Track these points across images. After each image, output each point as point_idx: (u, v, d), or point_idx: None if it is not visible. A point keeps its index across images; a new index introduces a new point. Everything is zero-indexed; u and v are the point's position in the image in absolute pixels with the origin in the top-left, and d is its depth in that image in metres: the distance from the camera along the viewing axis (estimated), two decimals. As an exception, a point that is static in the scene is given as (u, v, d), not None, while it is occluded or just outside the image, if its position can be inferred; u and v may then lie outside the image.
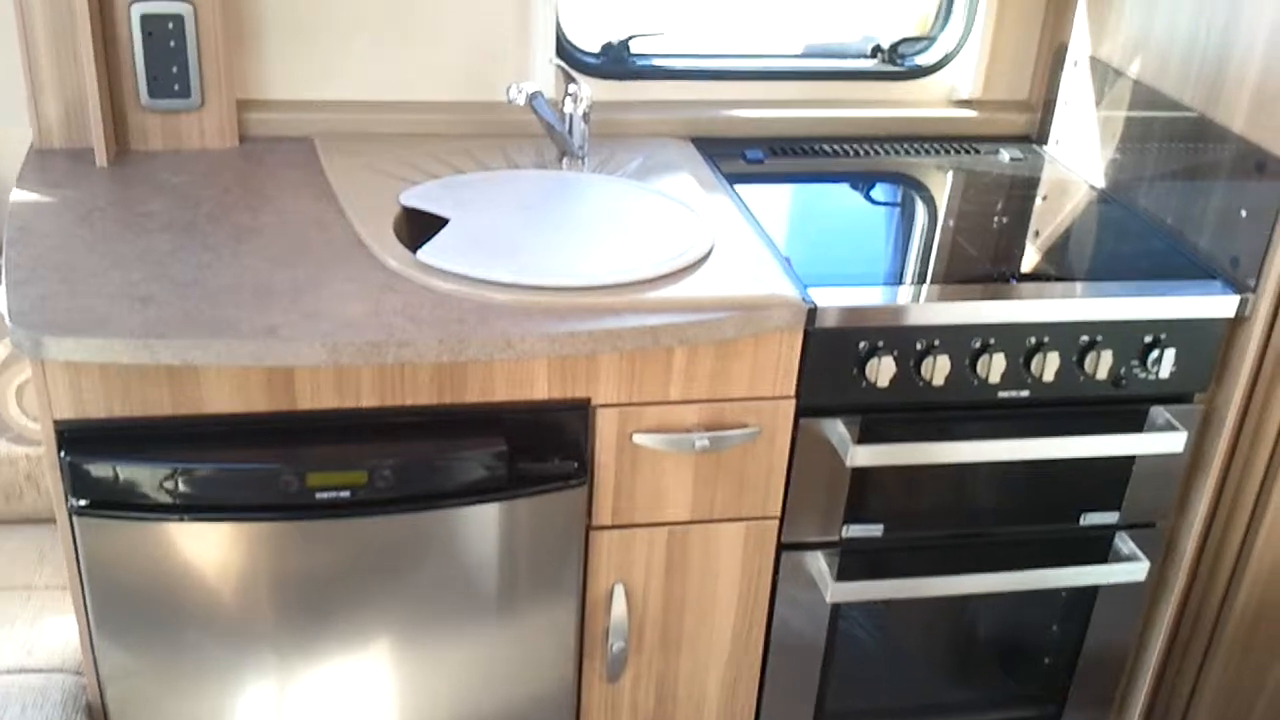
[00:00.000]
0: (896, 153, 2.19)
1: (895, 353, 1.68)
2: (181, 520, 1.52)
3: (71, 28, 1.82)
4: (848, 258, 1.83)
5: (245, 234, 1.68)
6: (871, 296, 1.68)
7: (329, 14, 1.98)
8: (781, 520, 1.78)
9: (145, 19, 1.85)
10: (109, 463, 1.49)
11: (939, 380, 1.69)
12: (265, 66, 2.00)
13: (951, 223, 1.97)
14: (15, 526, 1.95)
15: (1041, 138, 2.26)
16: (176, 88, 1.90)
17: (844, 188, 2.08)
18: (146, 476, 1.49)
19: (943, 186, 2.10)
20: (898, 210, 2.05)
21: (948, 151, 2.21)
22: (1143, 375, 1.77)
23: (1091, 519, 1.89)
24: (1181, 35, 1.88)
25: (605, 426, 1.64)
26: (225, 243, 1.65)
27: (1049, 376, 1.73)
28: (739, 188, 1.98)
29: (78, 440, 1.49)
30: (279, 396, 1.52)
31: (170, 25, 1.86)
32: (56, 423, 1.49)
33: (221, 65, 1.91)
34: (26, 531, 1.94)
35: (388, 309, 1.51)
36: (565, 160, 1.99)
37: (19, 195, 1.76)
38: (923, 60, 2.27)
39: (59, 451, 1.49)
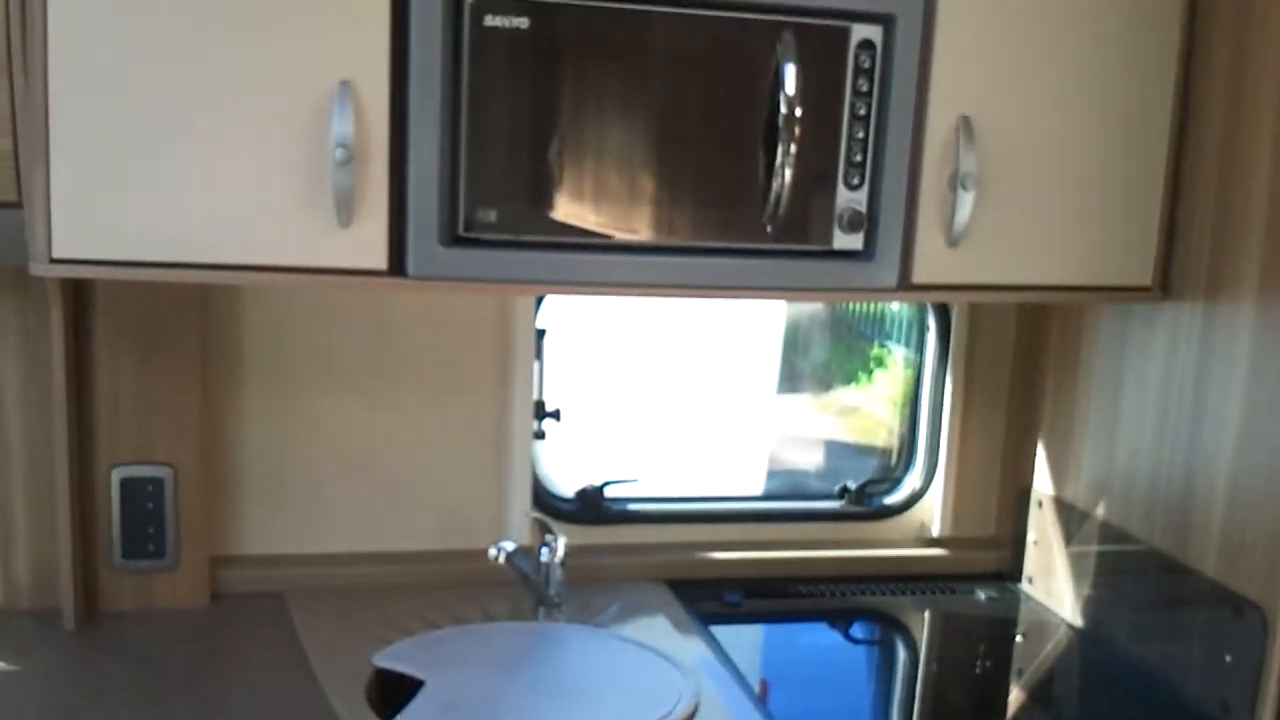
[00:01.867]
0: (873, 593, 2.19)
1: (893, 821, 1.61)
2: None
3: (50, 492, 1.83)
4: (835, 711, 1.78)
5: (211, 706, 1.62)
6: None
7: (306, 469, 2.02)
8: None
9: (125, 482, 1.87)
10: None
11: None
12: (240, 522, 2.01)
13: (935, 667, 1.95)
14: None
15: (1015, 575, 2.27)
16: (151, 548, 1.89)
17: (823, 629, 2.07)
18: None
19: (921, 627, 2.09)
20: (879, 653, 2.03)
21: (923, 591, 2.21)
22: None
23: None
24: (1142, 476, 1.93)
25: None
26: (189, 718, 1.59)
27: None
28: (718, 631, 1.95)
29: None
30: None
31: (149, 487, 1.87)
32: None
33: (197, 525, 1.91)
34: None
35: (358, 793, 1.45)
36: (541, 609, 1.97)
37: (-20, 664, 1.71)
38: (890, 500, 2.32)
39: None
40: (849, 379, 2.61)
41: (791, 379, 2.78)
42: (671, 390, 2.72)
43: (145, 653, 1.77)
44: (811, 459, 2.59)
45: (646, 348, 2.68)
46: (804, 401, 2.78)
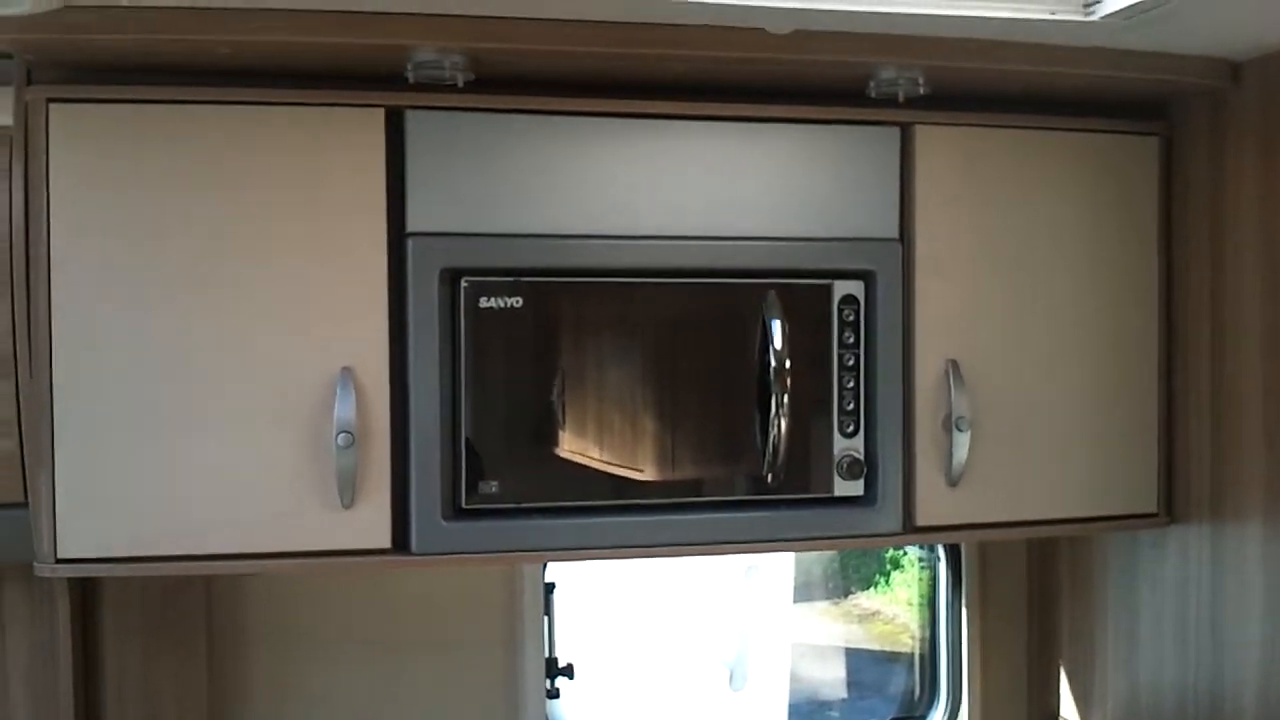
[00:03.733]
0: None
1: None
2: None
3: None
4: None
5: None
6: None
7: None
8: None
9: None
10: None
11: None
12: None
13: None
14: None
15: (1052, 811, 2.20)
16: None
17: None
18: None
19: None
20: None
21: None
22: None
23: None
24: (1169, 702, 1.88)
25: None
26: None
27: None
28: None
29: None
30: None
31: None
32: None
33: None
34: None
35: None
36: None
37: None
38: (917, 739, 2.27)
39: None
40: (866, 583, 2.58)
41: (808, 585, 2.75)
42: (685, 628, 2.68)
43: None
44: (834, 673, 2.54)
45: (657, 584, 2.65)
46: (822, 609, 2.75)
